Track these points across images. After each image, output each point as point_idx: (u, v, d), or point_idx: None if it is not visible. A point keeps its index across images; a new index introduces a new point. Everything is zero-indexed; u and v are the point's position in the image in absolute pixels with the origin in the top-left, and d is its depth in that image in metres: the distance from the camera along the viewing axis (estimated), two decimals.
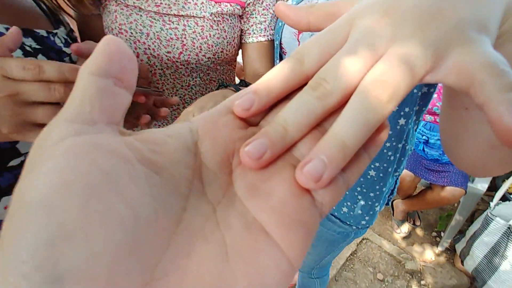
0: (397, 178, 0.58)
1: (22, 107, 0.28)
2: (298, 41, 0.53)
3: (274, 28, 0.60)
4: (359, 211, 0.56)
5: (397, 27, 0.13)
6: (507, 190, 1.35)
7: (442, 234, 1.67)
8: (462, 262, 1.46)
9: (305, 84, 0.14)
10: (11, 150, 0.42)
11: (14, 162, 0.42)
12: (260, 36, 0.59)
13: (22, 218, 0.08)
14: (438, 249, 1.60)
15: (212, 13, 0.53)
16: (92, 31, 0.57)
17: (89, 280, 0.08)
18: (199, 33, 0.53)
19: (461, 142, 0.26)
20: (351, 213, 0.57)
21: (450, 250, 1.61)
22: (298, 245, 0.11)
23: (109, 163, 0.09)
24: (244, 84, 0.52)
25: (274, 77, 0.14)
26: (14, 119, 0.28)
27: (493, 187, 1.55)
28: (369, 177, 0.51)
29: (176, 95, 0.59)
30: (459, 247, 1.50)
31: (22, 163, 0.43)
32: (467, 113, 0.23)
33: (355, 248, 1.58)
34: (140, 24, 0.51)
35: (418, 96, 0.45)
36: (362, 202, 0.54)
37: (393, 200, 1.72)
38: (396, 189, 0.61)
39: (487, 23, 0.13)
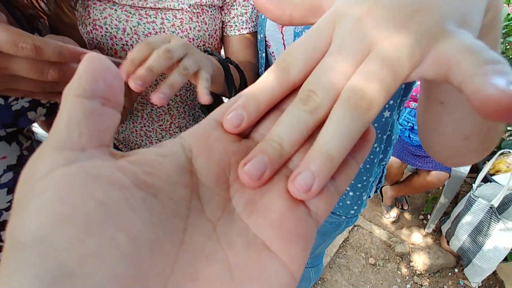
0: (384, 167, 0.58)
1: (7, 79, 0.26)
2: (282, 33, 0.52)
3: (256, 19, 0.59)
4: (348, 202, 0.56)
5: (380, 26, 0.13)
6: (488, 172, 1.40)
7: (428, 216, 1.73)
8: (448, 242, 1.53)
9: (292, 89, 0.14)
10: None
11: None
12: (242, 28, 0.58)
13: (19, 260, 0.08)
14: (425, 231, 1.67)
15: (190, 4, 0.51)
16: (65, 30, 0.54)
17: None
18: (178, 26, 0.51)
19: (436, 133, 0.27)
20: (340, 204, 0.58)
21: (437, 232, 1.67)
22: (298, 257, 0.11)
23: (105, 192, 0.09)
24: (229, 61, 0.51)
25: (262, 90, 0.14)
26: None
27: (475, 170, 1.61)
28: None
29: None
30: (445, 228, 1.56)
31: None
32: (442, 107, 0.24)
33: (347, 235, 1.62)
34: (116, 19, 0.49)
35: (402, 89, 0.45)
36: (350, 193, 0.55)
37: (382, 187, 1.77)
38: (383, 177, 0.62)
39: (467, 18, 0.13)
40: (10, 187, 0.44)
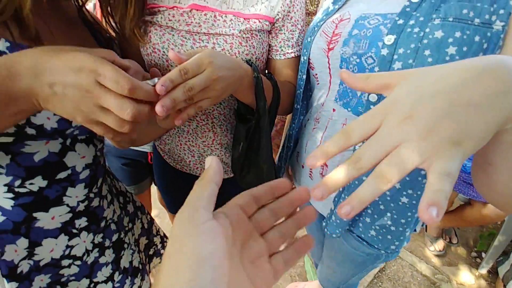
0: None
1: (94, 109, 0.30)
2: (328, 57, 0.52)
3: (301, 43, 0.60)
4: (389, 236, 0.53)
5: (408, 133, 0.21)
6: None
7: (483, 254, 1.53)
8: (504, 286, 1.32)
9: None
10: (59, 163, 0.45)
11: (61, 175, 0.46)
12: (288, 53, 0.59)
13: (196, 268, 0.18)
14: (478, 271, 1.47)
15: (241, 30, 0.53)
16: (130, 50, 0.60)
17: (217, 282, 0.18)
18: (228, 51, 0.54)
19: (487, 189, 0.29)
20: (380, 237, 0.54)
21: (492, 273, 1.47)
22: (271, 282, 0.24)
23: (224, 239, 0.21)
24: (270, 76, 0.54)
25: (331, 145, 0.23)
26: (86, 114, 0.31)
27: None
28: (400, 203, 0.49)
29: (205, 111, 0.60)
30: (502, 270, 1.36)
31: (69, 176, 0.47)
32: (491, 168, 0.26)
33: (384, 264, 1.50)
34: (172, 43, 0.53)
35: None
36: (392, 228, 0.51)
37: None
38: None
39: (462, 140, 0.20)
40: (87, 182, 0.50)
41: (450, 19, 0.37)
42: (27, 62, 0.30)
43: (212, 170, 0.22)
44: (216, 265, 0.18)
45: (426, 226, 1.61)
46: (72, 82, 0.29)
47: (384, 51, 0.41)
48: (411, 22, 0.40)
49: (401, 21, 0.41)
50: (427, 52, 0.38)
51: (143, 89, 0.31)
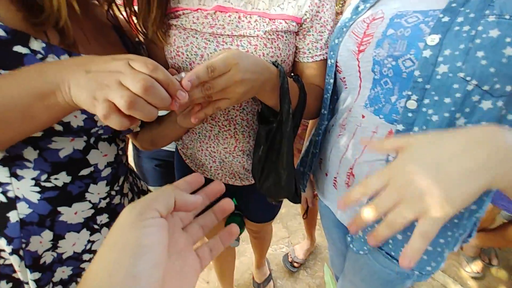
0: (477, 220, 0.48)
1: (113, 82, 0.30)
2: (358, 60, 0.48)
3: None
4: (424, 257, 0.48)
5: (404, 196, 0.27)
6: None
7: None
8: None
9: None
10: (82, 160, 0.47)
11: (84, 172, 0.47)
12: (316, 55, 0.56)
13: (139, 255, 0.20)
14: None
15: (266, 31, 0.51)
16: (157, 54, 0.61)
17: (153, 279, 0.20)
18: (252, 52, 0.52)
19: None
20: None
21: None
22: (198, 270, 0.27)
23: (166, 233, 0.22)
24: (296, 78, 0.52)
25: (354, 193, 0.31)
26: (104, 90, 0.30)
27: None
28: None
29: (227, 116, 0.59)
30: None
31: (91, 173, 0.48)
32: None
33: (412, 283, 1.39)
34: (196, 46, 0.53)
35: None
36: (429, 248, 0.46)
37: None
38: (475, 231, 0.51)
39: (453, 205, 0.26)
40: (109, 180, 0.52)
41: (507, 17, 0.32)
42: (75, 58, 0.34)
43: (191, 196, 0.25)
44: (157, 254, 0.20)
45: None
46: (106, 67, 0.31)
47: (427, 53, 0.37)
48: (459, 19, 0.35)
49: (446, 19, 0.36)
50: (480, 54, 0.34)
51: (164, 71, 0.32)
